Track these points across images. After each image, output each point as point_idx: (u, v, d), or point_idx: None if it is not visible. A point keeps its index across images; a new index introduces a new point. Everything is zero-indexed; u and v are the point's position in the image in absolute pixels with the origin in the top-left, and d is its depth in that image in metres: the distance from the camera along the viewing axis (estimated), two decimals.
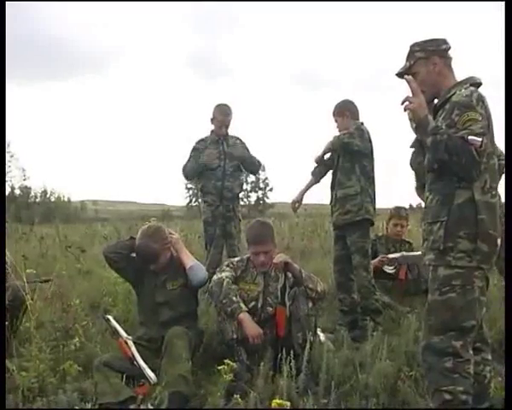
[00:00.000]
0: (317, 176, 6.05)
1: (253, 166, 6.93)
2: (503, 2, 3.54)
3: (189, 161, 6.87)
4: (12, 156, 57.37)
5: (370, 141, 5.68)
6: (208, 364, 4.29)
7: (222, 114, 6.76)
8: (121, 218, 32.26)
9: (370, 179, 5.73)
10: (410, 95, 3.20)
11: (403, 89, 3.29)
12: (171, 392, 3.64)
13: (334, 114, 5.88)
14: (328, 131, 5.90)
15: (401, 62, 3.52)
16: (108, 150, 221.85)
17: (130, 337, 4.25)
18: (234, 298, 4.32)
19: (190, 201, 63.81)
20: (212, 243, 6.79)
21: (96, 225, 20.30)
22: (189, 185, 62.52)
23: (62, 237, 12.47)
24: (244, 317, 4.26)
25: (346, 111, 5.81)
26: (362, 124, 5.72)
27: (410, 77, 3.28)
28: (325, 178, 6.05)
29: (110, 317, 4.57)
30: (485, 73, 3.36)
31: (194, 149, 6.85)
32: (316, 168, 6.01)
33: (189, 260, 4.68)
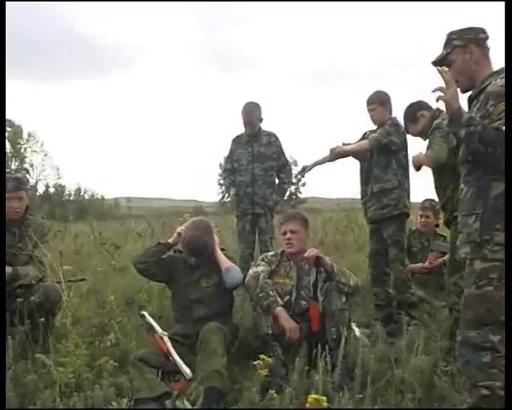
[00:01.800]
0: (335, 155, 5.91)
1: (284, 174, 6.93)
2: (503, 2, 3.47)
3: (226, 160, 6.91)
4: (46, 155, 58.38)
5: (405, 134, 5.61)
6: (243, 359, 4.28)
7: (245, 115, 6.77)
8: (154, 214, 32.45)
9: (407, 173, 5.67)
10: (443, 85, 3.16)
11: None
12: (206, 387, 3.65)
13: (371, 102, 5.77)
14: (358, 124, 5.82)
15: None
16: (141, 147, 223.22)
17: (165, 333, 4.27)
18: (270, 292, 4.34)
19: (223, 196, 63.81)
20: (242, 237, 6.81)
21: (130, 222, 20.41)
22: (222, 181, 62.74)
23: (96, 234, 12.54)
24: (281, 311, 4.27)
25: (386, 102, 5.76)
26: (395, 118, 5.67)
27: (444, 68, 3.24)
28: (355, 172, 6.00)
29: (145, 313, 4.59)
30: None
31: (231, 146, 6.88)
32: (335, 148, 5.89)
33: (225, 262, 4.70)
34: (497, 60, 3.34)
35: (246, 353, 4.39)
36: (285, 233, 4.66)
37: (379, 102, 5.72)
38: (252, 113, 6.77)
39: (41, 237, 5.04)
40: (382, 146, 5.49)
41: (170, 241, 4.83)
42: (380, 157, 5.59)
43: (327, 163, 5.89)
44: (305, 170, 5.90)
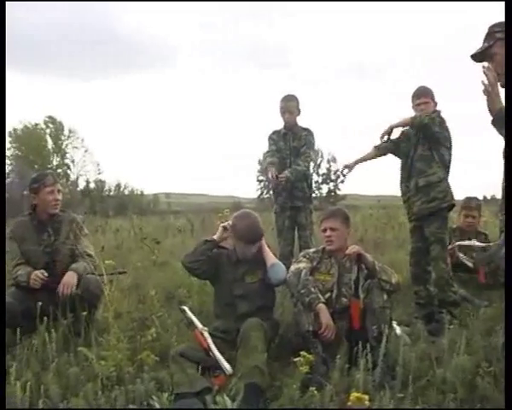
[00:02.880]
0: (380, 150, 5.89)
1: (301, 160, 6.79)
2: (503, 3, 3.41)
3: (265, 154, 6.88)
4: (86, 151, 59.14)
5: (448, 130, 5.56)
6: (283, 356, 4.28)
7: (283, 100, 6.78)
8: (193, 210, 32.61)
9: (447, 169, 5.61)
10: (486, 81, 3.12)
11: None
12: (246, 383, 3.64)
13: (423, 96, 5.72)
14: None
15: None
16: (179, 143, 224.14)
17: (205, 329, 4.28)
18: (312, 289, 4.32)
19: (262, 193, 63.89)
20: (282, 234, 6.79)
21: (169, 218, 20.55)
22: (260, 177, 62.73)
23: (137, 230, 12.65)
24: (322, 308, 4.26)
25: (433, 97, 5.72)
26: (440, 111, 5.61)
27: (489, 66, 3.20)
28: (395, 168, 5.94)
29: (186, 308, 4.61)
30: None
31: (269, 140, 6.85)
32: (380, 144, 5.85)
33: (271, 258, 4.71)
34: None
35: (286, 349, 4.38)
36: (325, 230, 4.64)
37: (431, 96, 5.70)
38: (290, 99, 6.80)
39: (79, 231, 5.12)
40: (423, 126, 5.45)
41: (215, 237, 4.83)
42: (423, 151, 5.55)
43: (369, 160, 5.88)
44: (347, 168, 5.88)
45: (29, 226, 5.05)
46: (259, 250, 4.74)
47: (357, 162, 5.88)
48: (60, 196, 5.08)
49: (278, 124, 6.91)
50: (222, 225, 4.84)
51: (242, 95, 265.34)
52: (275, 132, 6.91)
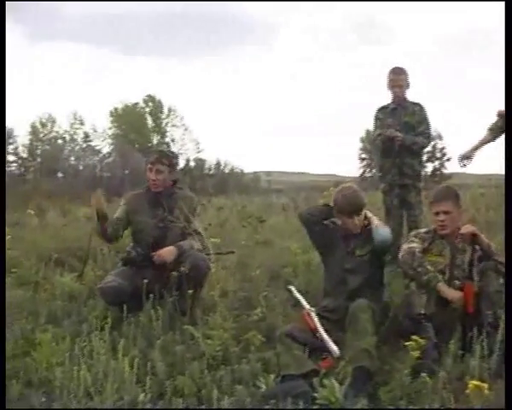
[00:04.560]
0: (495, 132, 5.62)
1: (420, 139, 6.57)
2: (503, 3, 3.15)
3: (376, 133, 6.69)
4: (186, 130, 60.12)
5: None
6: (393, 339, 4.15)
7: (392, 73, 6.61)
8: (294, 188, 32.61)
9: None
10: None
11: None
12: (354, 367, 3.56)
13: None
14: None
15: None
16: (279, 121, 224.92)
17: (312, 309, 4.22)
18: (429, 267, 4.19)
19: (364, 172, 63.29)
20: (390, 213, 6.62)
21: (271, 196, 20.60)
22: (363, 155, 62.17)
23: (239, 208, 12.70)
24: (442, 286, 4.16)
25: None
26: None
27: None
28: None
29: (292, 287, 4.56)
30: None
31: (376, 119, 6.67)
32: (495, 123, 5.59)
33: (375, 220, 4.57)
34: (497, 60, 3.04)
35: (396, 332, 4.24)
36: (437, 214, 4.43)
37: None
38: (399, 72, 6.61)
39: (192, 210, 5.12)
40: None
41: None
42: None
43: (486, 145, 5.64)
44: (466, 159, 5.66)
45: (144, 199, 5.13)
46: (368, 226, 4.60)
47: (474, 150, 5.66)
48: (158, 176, 5.06)
49: (386, 98, 6.74)
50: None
51: (344, 69, 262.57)
52: (381, 109, 6.72)
